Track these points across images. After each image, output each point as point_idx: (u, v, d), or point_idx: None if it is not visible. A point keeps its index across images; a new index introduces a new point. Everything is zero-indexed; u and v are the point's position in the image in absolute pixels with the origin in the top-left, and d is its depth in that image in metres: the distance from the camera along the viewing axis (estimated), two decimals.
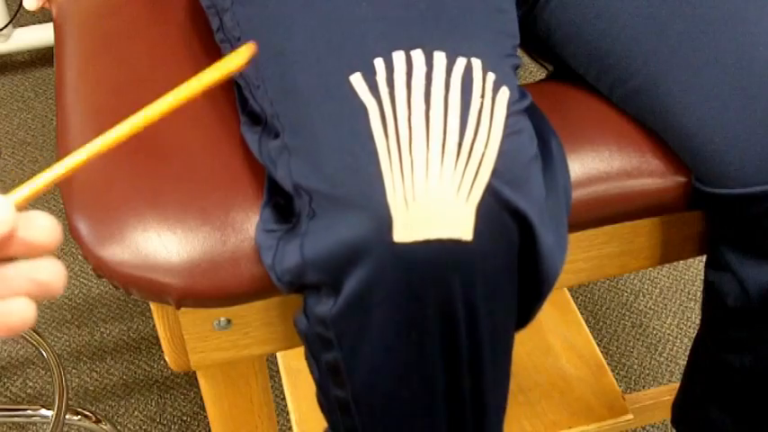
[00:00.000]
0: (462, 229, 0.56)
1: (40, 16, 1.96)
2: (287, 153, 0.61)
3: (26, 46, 1.85)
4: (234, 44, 0.69)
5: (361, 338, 0.61)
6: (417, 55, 0.57)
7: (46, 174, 0.44)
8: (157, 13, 0.81)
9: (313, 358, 0.65)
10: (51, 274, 0.43)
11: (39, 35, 1.83)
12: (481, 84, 0.58)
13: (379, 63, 0.57)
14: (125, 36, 0.79)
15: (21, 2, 1.79)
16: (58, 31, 0.83)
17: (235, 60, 0.45)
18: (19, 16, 1.88)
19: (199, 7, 0.79)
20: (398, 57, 0.57)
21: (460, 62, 0.58)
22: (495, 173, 0.56)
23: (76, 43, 0.80)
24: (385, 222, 0.55)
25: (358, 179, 0.56)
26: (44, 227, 0.43)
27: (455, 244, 0.56)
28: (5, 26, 1.76)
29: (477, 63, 0.58)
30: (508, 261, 0.60)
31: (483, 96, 0.57)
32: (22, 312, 0.43)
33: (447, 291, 0.58)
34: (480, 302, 0.60)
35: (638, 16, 0.71)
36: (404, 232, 0.55)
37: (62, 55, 0.80)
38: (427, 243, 0.56)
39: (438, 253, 0.56)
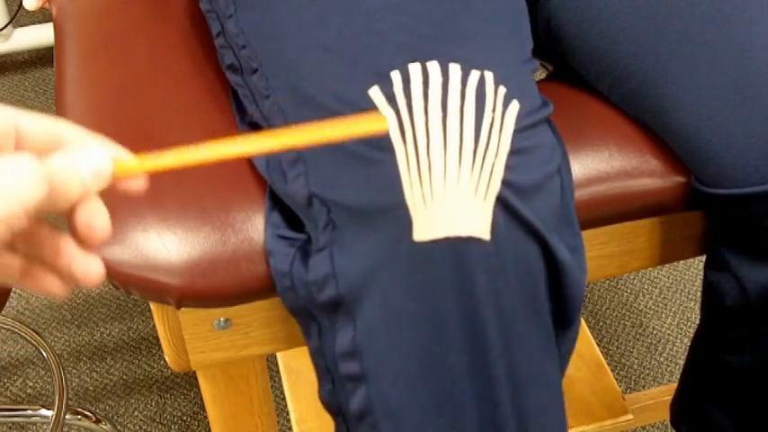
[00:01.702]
0: (480, 227, 0.56)
1: (40, 16, 1.96)
2: (303, 164, 0.61)
3: (26, 46, 1.85)
4: (237, 51, 0.69)
5: (388, 355, 0.59)
6: (433, 66, 0.58)
7: (157, 157, 0.44)
8: (157, 13, 0.81)
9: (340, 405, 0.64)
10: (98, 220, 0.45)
11: (39, 35, 1.83)
12: (493, 97, 0.58)
13: (395, 75, 0.58)
14: (125, 36, 0.79)
15: (21, 2, 1.79)
16: (57, 31, 0.83)
17: (368, 126, 0.43)
18: (19, 16, 1.88)
19: (199, 7, 0.79)
20: (414, 69, 0.58)
21: (474, 75, 0.58)
22: (504, 185, 0.57)
23: (76, 43, 0.80)
24: (404, 223, 0.56)
25: (377, 186, 0.57)
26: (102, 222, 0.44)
27: (474, 242, 0.56)
28: (5, 26, 1.76)
29: (489, 76, 0.59)
30: (527, 263, 0.60)
31: (494, 110, 0.58)
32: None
33: (468, 289, 0.58)
34: (506, 301, 0.59)
35: (636, 17, 0.71)
36: (423, 231, 0.56)
37: (62, 55, 0.80)
38: (446, 241, 0.56)
39: (457, 250, 0.56)
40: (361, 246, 0.57)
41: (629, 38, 0.71)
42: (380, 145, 0.57)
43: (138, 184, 0.45)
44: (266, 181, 0.66)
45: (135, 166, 0.44)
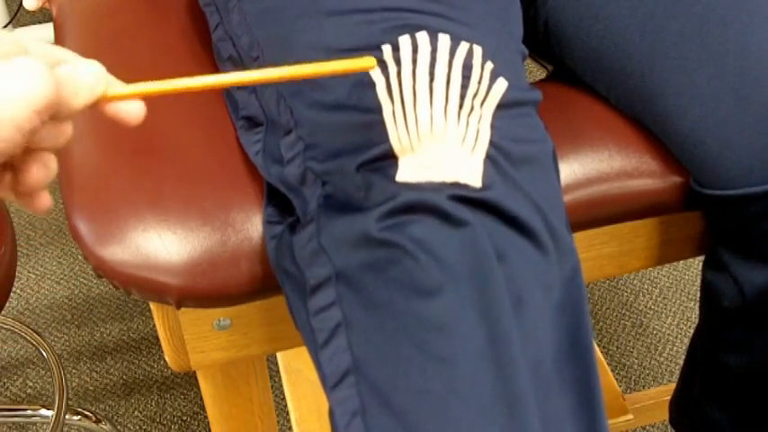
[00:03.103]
0: (468, 174, 0.54)
1: (40, 16, 1.96)
2: (302, 143, 0.61)
3: None
4: (236, 40, 0.69)
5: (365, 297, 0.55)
6: (422, 36, 0.58)
7: (148, 84, 0.47)
8: (158, 13, 0.81)
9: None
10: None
11: (39, 35, 1.83)
12: (480, 70, 0.58)
13: (386, 47, 0.58)
14: (125, 35, 0.79)
15: (21, 2, 1.79)
16: (58, 31, 0.83)
17: (356, 65, 0.48)
18: (19, 16, 1.89)
19: (199, 7, 0.79)
20: (404, 40, 0.58)
21: (463, 46, 0.58)
22: (494, 147, 0.56)
23: (76, 43, 0.80)
24: (391, 167, 0.55)
25: (365, 143, 0.56)
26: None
27: (463, 188, 0.54)
28: (5, 26, 1.77)
29: (478, 50, 0.59)
30: (522, 224, 0.55)
31: (480, 83, 0.58)
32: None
33: (459, 238, 0.53)
34: (508, 249, 0.54)
35: (633, 17, 0.71)
36: (407, 173, 0.54)
37: None
38: (431, 185, 0.54)
39: (444, 195, 0.54)
40: (345, 209, 0.56)
41: (626, 39, 0.71)
42: (376, 108, 0.57)
43: (135, 109, 0.48)
44: (264, 183, 0.66)
45: (126, 92, 0.48)
